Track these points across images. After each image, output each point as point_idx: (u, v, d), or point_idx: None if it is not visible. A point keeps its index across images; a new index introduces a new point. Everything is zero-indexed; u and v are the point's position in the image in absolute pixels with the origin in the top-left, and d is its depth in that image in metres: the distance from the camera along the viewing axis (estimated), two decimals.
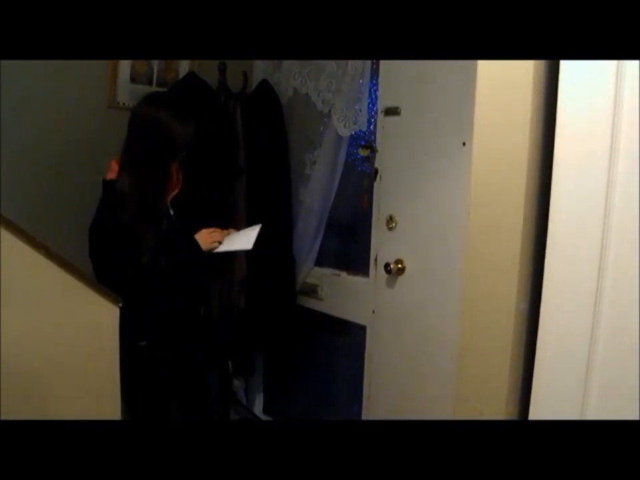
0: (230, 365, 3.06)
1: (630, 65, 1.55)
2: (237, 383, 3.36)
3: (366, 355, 2.72)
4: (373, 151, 2.58)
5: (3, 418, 2.04)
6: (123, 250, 2.12)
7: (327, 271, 2.97)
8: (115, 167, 2.20)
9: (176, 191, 2.29)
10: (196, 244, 2.22)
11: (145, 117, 2.16)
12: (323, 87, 2.83)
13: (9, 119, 2.40)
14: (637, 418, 1.57)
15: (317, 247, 3.00)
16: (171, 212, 2.29)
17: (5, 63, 2.32)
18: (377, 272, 2.59)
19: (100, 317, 2.48)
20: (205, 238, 2.26)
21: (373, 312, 2.64)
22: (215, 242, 2.26)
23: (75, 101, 2.61)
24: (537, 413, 1.73)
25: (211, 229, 2.30)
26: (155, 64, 2.80)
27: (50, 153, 2.57)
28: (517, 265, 1.74)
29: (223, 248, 2.26)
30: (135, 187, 2.13)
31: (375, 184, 2.58)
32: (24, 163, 2.51)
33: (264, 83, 2.99)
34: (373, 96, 2.66)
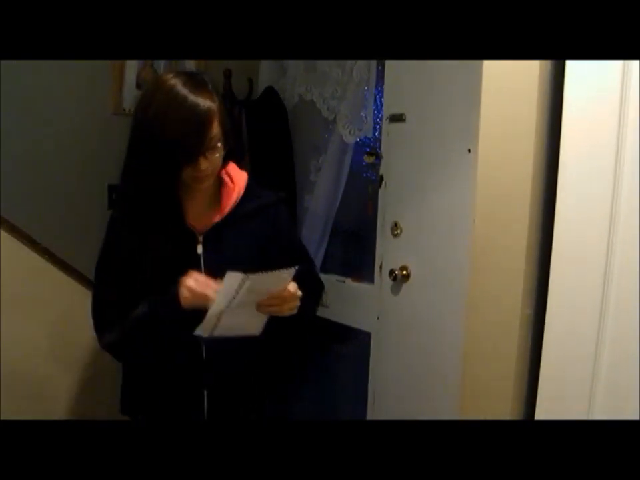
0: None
1: (636, 65, 1.54)
2: None
3: (370, 361, 2.71)
4: (378, 157, 2.58)
5: (5, 418, 2.04)
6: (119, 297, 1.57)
7: (332, 277, 2.96)
8: None
9: (218, 217, 1.65)
10: (176, 301, 1.49)
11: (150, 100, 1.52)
12: (328, 93, 2.84)
13: (11, 124, 2.40)
14: None
15: (321, 254, 2.99)
16: (199, 249, 1.61)
17: (6, 67, 2.32)
18: (381, 278, 2.59)
19: None
20: (190, 289, 1.48)
21: (378, 318, 2.63)
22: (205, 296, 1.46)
23: (79, 106, 2.62)
24: (542, 418, 1.72)
25: (196, 276, 1.50)
26: (160, 70, 2.81)
27: (53, 159, 2.58)
28: (522, 271, 1.74)
29: (238, 299, 1.47)
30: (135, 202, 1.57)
31: (379, 190, 2.58)
32: (27, 169, 2.51)
33: (269, 90, 2.99)
34: (378, 103, 2.66)
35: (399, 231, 2.49)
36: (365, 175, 2.81)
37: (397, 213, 2.51)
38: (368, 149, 2.71)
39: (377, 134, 2.67)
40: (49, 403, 2.43)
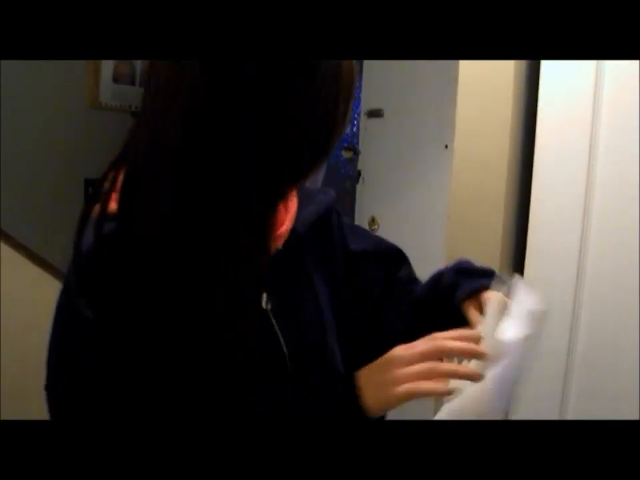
0: None
1: (609, 65, 1.57)
2: None
3: None
4: (356, 152, 2.59)
5: (6, 418, 2.02)
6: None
7: None
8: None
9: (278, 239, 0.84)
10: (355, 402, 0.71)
11: None
12: None
13: None
14: (616, 417, 1.59)
15: None
16: (264, 299, 0.81)
17: None
18: None
19: None
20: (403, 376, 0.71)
21: None
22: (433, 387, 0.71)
23: (54, 100, 2.58)
24: (516, 413, 1.75)
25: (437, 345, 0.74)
26: (138, 63, 2.79)
27: (28, 153, 2.55)
28: (496, 266, 1.76)
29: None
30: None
31: (357, 186, 2.59)
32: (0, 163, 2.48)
33: None
34: (356, 98, 2.67)
35: (376, 226, 2.50)
36: (342, 170, 2.82)
37: (374, 208, 2.53)
38: (346, 144, 2.71)
39: (354, 129, 2.68)
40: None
